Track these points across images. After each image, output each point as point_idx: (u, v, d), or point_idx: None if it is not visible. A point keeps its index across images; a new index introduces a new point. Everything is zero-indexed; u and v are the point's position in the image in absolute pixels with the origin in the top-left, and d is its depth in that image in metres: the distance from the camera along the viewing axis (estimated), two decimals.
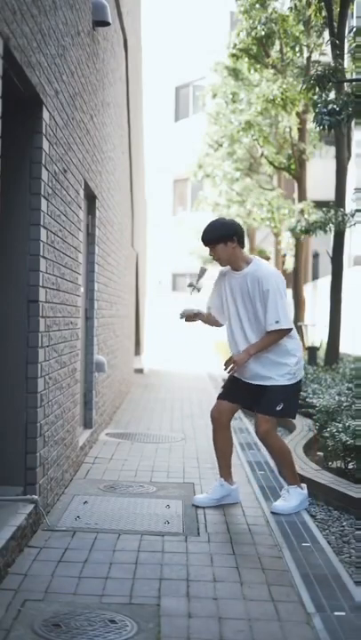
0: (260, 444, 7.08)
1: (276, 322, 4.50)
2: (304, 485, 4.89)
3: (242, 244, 4.71)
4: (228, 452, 4.89)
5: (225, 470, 4.87)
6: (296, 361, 4.68)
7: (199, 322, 4.99)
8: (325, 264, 18.56)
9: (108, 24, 6.36)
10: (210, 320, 4.94)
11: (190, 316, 4.89)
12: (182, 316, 4.90)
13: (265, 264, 4.76)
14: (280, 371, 4.63)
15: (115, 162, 8.44)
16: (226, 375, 4.90)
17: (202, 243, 4.76)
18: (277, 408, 4.65)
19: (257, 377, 4.68)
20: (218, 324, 4.95)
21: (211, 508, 4.75)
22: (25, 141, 4.09)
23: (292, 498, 4.76)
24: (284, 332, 4.57)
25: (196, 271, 5.14)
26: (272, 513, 4.68)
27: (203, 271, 4.90)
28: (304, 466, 5.60)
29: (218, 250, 4.66)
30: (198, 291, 4.89)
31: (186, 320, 4.92)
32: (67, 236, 4.96)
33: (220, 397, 4.87)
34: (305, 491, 4.84)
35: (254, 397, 4.80)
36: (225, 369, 4.70)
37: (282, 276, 4.70)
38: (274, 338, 4.56)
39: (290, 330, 4.60)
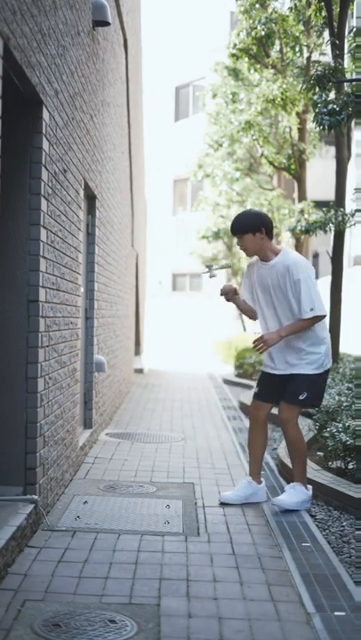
0: None
1: (311, 309, 4.60)
2: (310, 487, 4.91)
3: (270, 236, 4.77)
4: (260, 451, 4.97)
5: (254, 469, 4.95)
6: (326, 349, 4.78)
7: (235, 307, 5.08)
8: (325, 264, 18.57)
9: (107, 24, 6.36)
10: (245, 308, 5.03)
11: (230, 292, 4.96)
12: (223, 292, 4.98)
13: (294, 254, 4.85)
14: (309, 359, 4.71)
15: (115, 162, 8.44)
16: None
17: (231, 232, 4.86)
18: (300, 397, 4.74)
19: (287, 365, 4.77)
20: (252, 316, 5.02)
21: (210, 508, 4.76)
22: (25, 141, 4.08)
23: (296, 495, 4.77)
24: (319, 319, 4.67)
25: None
26: (272, 504, 4.72)
27: (227, 266, 5.33)
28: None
29: (245, 240, 4.75)
30: (212, 276, 5.06)
31: (226, 298, 4.99)
32: (67, 235, 4.96)
33: (256, 397, 4.96)
34: (310, 492, 4.86)
35: (285, 389, 4.88)
36: (254, 347, 4.76)
37: (311, 265, 4.78)
38: (307, 323, 4.65)
39: (325, 316, 4.70)
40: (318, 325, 4.73)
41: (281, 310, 4.74)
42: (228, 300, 5.02)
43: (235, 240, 22.68)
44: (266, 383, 4.94)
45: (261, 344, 4.69)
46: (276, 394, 4.90)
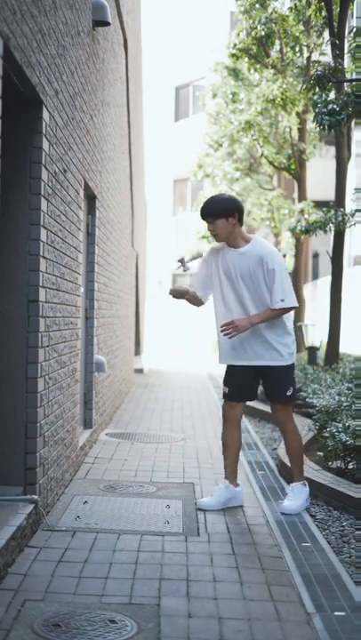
0: (260, 443, 7.08)
1: (282, 300, 4.54)
2: (306, 482, 4.90)
3: (241, 222, 4.69)
4: (235, 452, 4.88)
5: (231, 471, 4.86)
6: (293, 339, 4.76)
7: (184, 301, 4.88)
8: (325, 264, 18.56)
9: (107, 24, 6.36)
10: (193, 299, 4.86)
11: (180, 292, 4.79)
12: (172, 291, 4.80)
13: (266, 243, 4.76)
14: (281, 350, 4.66)
15: (115, 162, 8.44)
16: (222, 371, 4.89)
17: (200, 216, 4.70)
18: (288, 393, 4.71)
19: (257, 356, 4.68)
20: (199, 304, 4.89)
21: None
22: (25, 141, 4.08)
23: (298, 496, 4.77)
24: (289, 310, 4.62)
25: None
26: (282, 514, 4.67)
27: (198, 255, 4.87)
28: (304, 466, 5.59)
29: (217, 225, 4.62)
30: (187, 270, 4.87)
31: (174, 296, 4.82)
32: (67, 235, 4.96)
33: (228, 398, 4.82)
34: (307, 487, 4.86)
35: (256, 383, 4.84)
36: (222, 331, 4.62)
37: (281, 255, 4.72)
38: (277, 313, 4.59)
39: (295, 307, 4.63)
40: (286, 317, 4.69)
41: (250, 298, 4.63)
42: (176, 297, 4.83)
43: None
44: (234, 380, 4.80)
45: (231, 329, 4.54)
46: (246, 389, 4.81)
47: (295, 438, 4.86)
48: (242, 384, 4.80)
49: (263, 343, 4.66)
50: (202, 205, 4.70)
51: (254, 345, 4.67)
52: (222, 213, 4.61)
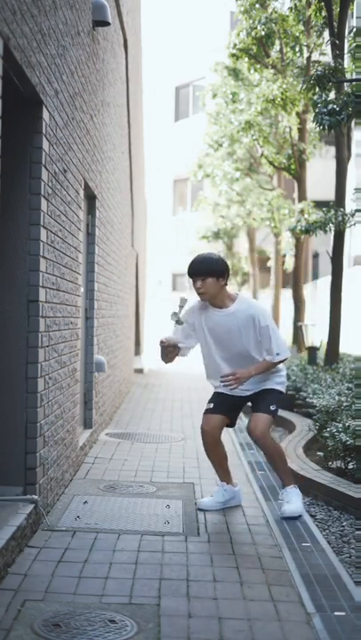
0: None
1: (278, 354, 4.63)
2: (296, 484, 4.88)
3: (226, 283, 4.69)
4: (223, 460, 4.88)
5: (225, 475, 4.87)
6: (285, 373, 4.92)
7: (161, 352, 4.79)
8: (325, 264, 18.56)
9: (107, 24, 6.36)
10: (171, 353, 4.77)
11: (171, 344, 4.70)
12: (162, 343, 4.68)
13: (252, 300, 4.85)
14: (274, 380, 4.80)
15: (115, 162, 8.44)
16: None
17: (190, 273, 4.61)
18: (271, 408, 4.73)
19: (246, 390, 4.79)
20: (169, 361, 4.82)
21: None
22: (25, 141, 4.08)
23: (294, 497, 4.73)
24: (284, 360, 4.72)
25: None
26: (283, 518, 4.61)
27: (183, 301, 4.71)
28: (304, 466, 5.60)
29: (208, 283, 4.57)
30: (181, 324, 4.67)
31: (164, 347, 4.68)
32: (67, 235, 4.96)
33: (209, 412, 4.80)
34: (297, 489, 4.81)
35: (240, 409, 4.94)
36: (222, 382, 4.65)
37: (267, 309, 4.82)
38: (274, 365, 4.70)
39: (288, 357, 4.76)
40: None
41: (238, 353, 4.67)
42: (163, 348, 4.72)
43: (235, 240, 22.63)
44: (220, 399, 4.83)
45: (232, 381, 4.57)
46: (231, 411, 4.84)
47: (275, 447, 4.82)
48: (222, 401, 4.82)
49: (257, 380, 4.76)
50: (193, 263, 4.62)
51: (249, 384, 4.75)
52: (215, 273, 4.58)
